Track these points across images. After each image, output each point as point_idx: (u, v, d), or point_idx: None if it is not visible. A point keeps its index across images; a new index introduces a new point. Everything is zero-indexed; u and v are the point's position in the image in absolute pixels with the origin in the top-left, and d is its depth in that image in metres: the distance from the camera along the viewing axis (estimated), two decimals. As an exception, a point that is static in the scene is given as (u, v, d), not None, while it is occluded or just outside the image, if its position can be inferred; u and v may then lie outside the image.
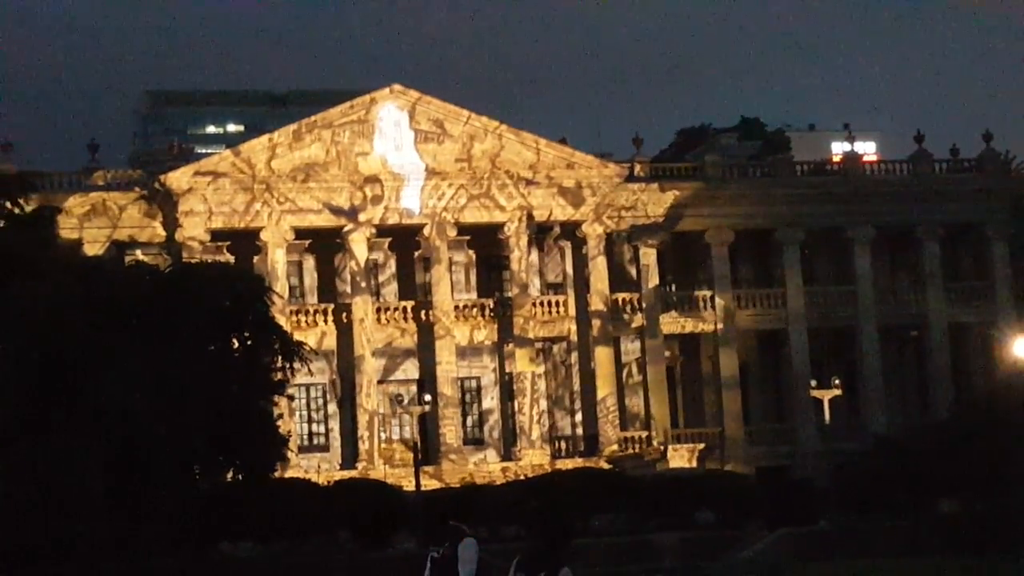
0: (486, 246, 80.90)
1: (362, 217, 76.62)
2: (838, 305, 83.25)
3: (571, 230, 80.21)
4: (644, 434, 79.56)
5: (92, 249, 73.27)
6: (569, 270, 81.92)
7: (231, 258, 75.78)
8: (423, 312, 78.39)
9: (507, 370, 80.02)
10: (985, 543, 56.00)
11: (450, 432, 76.50)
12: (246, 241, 76.55)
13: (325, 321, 77.82)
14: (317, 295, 79.92)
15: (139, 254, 73.52)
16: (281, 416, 57.63)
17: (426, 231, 77.54)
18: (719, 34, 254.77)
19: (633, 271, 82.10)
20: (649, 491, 67.59)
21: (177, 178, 74.97)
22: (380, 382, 77.63)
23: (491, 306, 79.82)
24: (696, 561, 58.69)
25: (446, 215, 77.43)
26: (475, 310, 79.78)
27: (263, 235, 75.85)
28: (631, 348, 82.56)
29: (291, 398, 63.16)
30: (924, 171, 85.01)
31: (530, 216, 78.44)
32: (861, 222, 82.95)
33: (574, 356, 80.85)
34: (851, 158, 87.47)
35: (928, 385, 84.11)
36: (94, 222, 75.44)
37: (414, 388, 79.09)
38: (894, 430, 77.93)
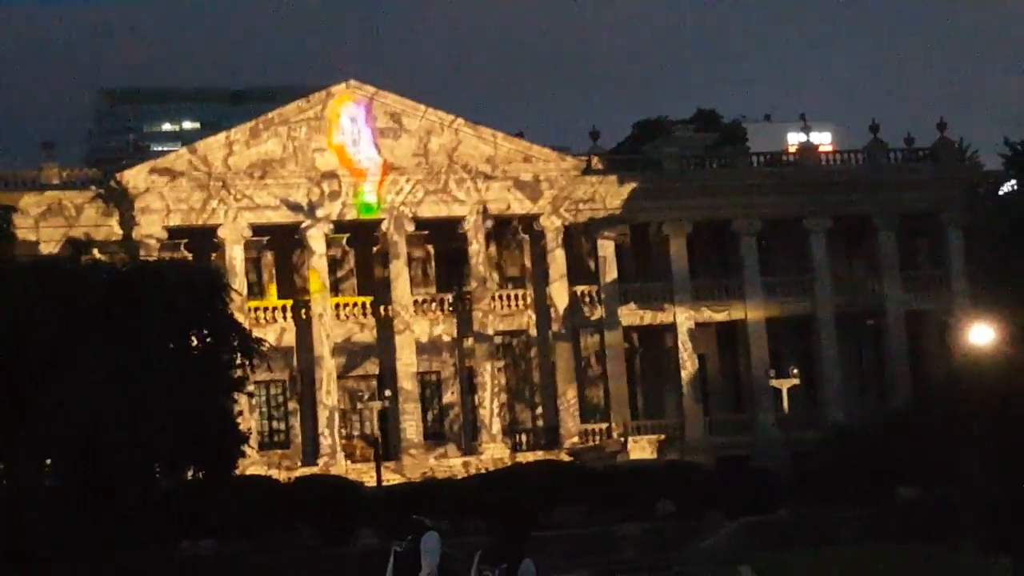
0: (444, 240, 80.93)
1: (320, 213, 76.57)
2: (795, 295, 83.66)
3: (529, 223, 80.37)
4: (604, 426, 79.83)
5: (48, 248, 72.73)
6: (528, 263, 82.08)
7: (189, 256, 75.60)
8: (382, 307, 78.41)
9: (467, 364, 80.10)
10: (944, 529, 56.40)
11: (410, 427, 76.55)
12: (204, 239, 76.38)
13: (284, 318, 77.76)
14: (276, 292, 79.79)
15: (96, 253, 72.99)
16: (241, 413, 57.48)
17: (384, 226, 77.54)
18: (674, 26, 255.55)
19: (592, 264, 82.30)
20: (610, 483, 67.85)
21: (133, 176, 74.74)
22: (340, 378, 77.58)
23: (450, 300, 79.93)
24: (657, 551, 58.93)
25: (404, 210, 77.46)
26: (434, 305, 79.87)
27: (220, 232, 75.71)
28: (591, 341, 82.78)
29: (251, 395, 63.07)
30: (879, 161, 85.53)
31: (488, 210, 78.52)
32: (817, 212, 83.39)
33: (534, 349, 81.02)
34: (807, 148, 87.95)
35: (885, 373, 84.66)
36: (50, 221, 75.01)
37: (374, 383, 79.10)
38: (852, 418, 78.37)
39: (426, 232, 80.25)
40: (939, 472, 62.61)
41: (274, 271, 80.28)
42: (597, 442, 78.62)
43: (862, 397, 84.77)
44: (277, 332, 76.16)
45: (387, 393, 74.60)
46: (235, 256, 75.53)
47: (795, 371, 77.11)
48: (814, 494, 66.56)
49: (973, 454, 57.82)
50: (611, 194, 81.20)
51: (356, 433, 79.16)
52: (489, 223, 78.82)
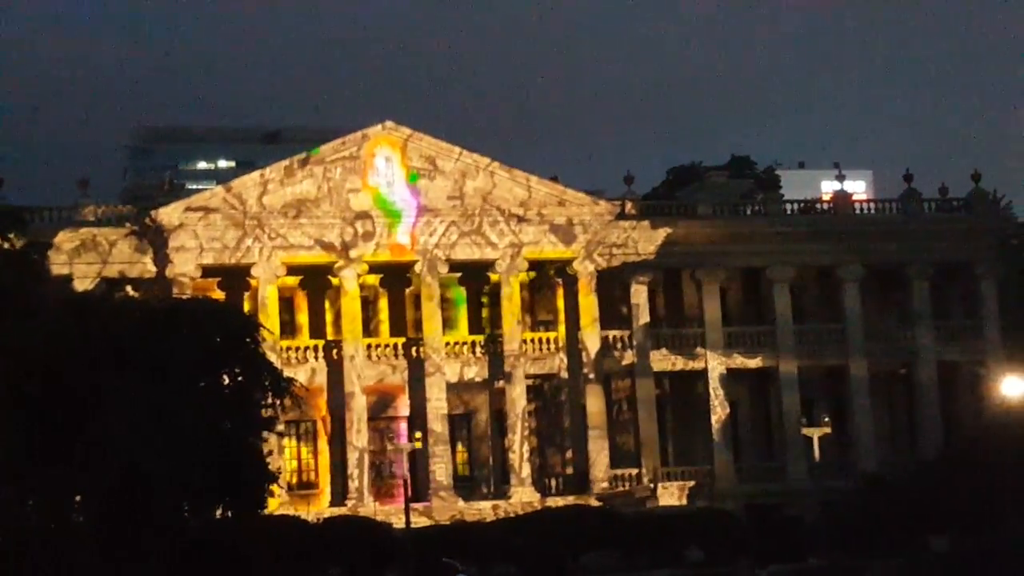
0: (477, 283, 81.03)
1: (353, 253, 76.74)
2: (828, 343, 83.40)
3: (562, 267, 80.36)
4: (634, 471, 79.54)
5: (82, 285, 73.17)
6: (560, 307, 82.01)
7: (222, 294, 75.79)
8: (414, 349, 78.42)
9: (497, 407, 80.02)
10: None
11: (440, 469, 76.40)
12: (237, 277, 76.63)
13: (316, 358, 77.83)
14: (308, 331, 79.91)
15: (129, 290, 73.46)
16: (271, 453, 57.47)
17: (417, 268, 77.65)
18: (709, 73, 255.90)
19: (624, 308, 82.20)
20: (639, 529, 67.58)
21: (168, 214, 75.07)
22: (371, 419, 77.56)
23: (482, 343, 79.90)
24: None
25: (437, 252, 77.57)
26: (466, 347, 79.85)
27: (254, 271, 75.94)
28: (622, 385, 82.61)
29: (281, 435, 63.05)
30: (913, 210, 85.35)
31: (521, 253, 78.55)
32: (851, 260, 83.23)
33: (565, 393, 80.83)
34: (841, 197, 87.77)
35: (917, 423, 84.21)
36: (84, 257, 75.42)
37: (404, 425, 79.06)
38: (884, 468, 78.02)
39: (459, 274, 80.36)
40: (972, 522, 62.23)
41: (306, 311, 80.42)
42: (627, 487, 78.28)
43: (894, 446, 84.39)
44: (308, 372, 76.19)
45: (417, 435, 74.55)
46: (268, 295, 75.74)
47: (827, 419, 76.82)
48: (845, 543, 66.22)
49: (1006, 503, 57.49)
50: (644, 239, 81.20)
51: (386, 474, 79.05)
52: (522, 266, 78.87)
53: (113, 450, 46.02)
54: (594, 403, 79.08)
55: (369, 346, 78.30)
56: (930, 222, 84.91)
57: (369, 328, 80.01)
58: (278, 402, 53.92)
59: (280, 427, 58.63)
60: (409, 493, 68.39)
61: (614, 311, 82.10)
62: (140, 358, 48.48)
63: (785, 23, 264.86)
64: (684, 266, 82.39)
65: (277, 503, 64.47)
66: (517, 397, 77.92)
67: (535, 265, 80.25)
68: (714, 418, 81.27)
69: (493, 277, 79.22)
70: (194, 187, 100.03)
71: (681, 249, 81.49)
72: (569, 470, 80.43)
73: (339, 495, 76.68)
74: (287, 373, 59.93)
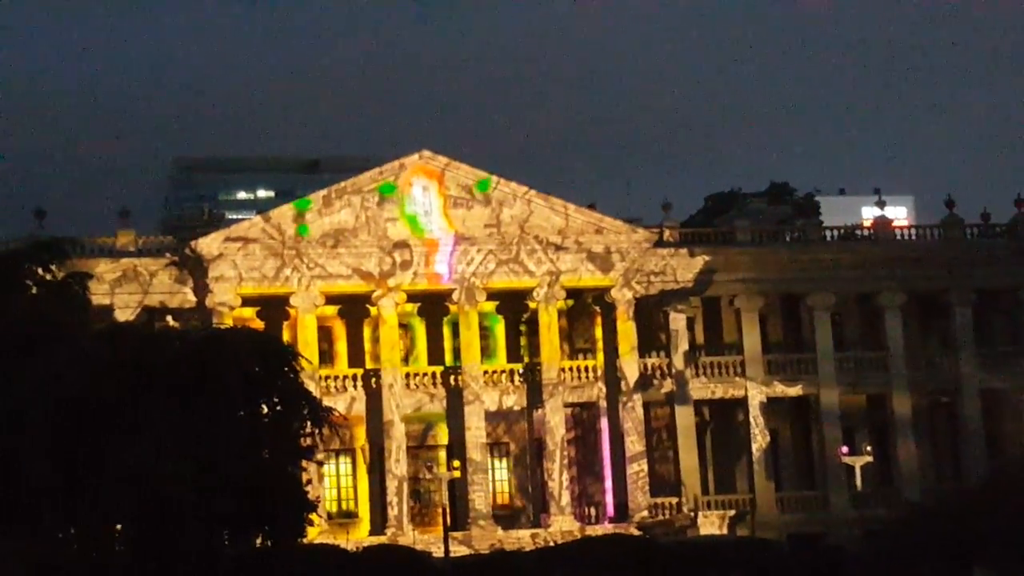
0: (515, 311, 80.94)
1: (391, 282, 76.79)
2: (869, 371, 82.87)
3: (600, 295, 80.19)
4: (674, 500, 79.17)
5: (123, 314, 73.66)
6: (598, 335, 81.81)
7: (261, 324, 75.93)
8: (452, 377, 78.36)
9: (536, 435, 79.82)
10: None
11: (479, 498, 76.25)
12: (276, 306, 76.78)
13: (355, 387, 77.85)
14: (347, 360, 79.97)
15: (170, 320, 73.84)
16: (310, 481, 57.42)
17: (455, 296, 77.63)
18: (747, 99, 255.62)
19: (663, 336, 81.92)
20: (680, 558, 67.03)
21: (207, 244, 75.33)
22: (410, 448, 77.50)
23: (520, 371, 79.75)
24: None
25: (475, 280, 77.53)
26: (504, 375, 79.71)
27: (293, 300, 76.07)
28: (661, 413, 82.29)
29: (320, 463, 63.04)
30: (955, 236, 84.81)
31: (559, 281, 78.44)
32: (892, 287, 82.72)
33: (603, 421, 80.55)
34: (882, 223, 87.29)
35: (961, 451, 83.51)
36: (125, 288, 75.79)
37: (443, 454, 78.96)
38: (927, 496, 77.31)
39: (497, 302, 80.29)
40: (1017, 551, 61.51)
41: (345, 340, 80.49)
42: (667, 516, 77.89)
43: (937, 474, 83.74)
44: (347, 401, 76.25)
45: (456, 463, 74.43)
46: (307, 324, 75.82)
47: (869, 448, 76.24)
48: (888, 573, 65.49)
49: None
50: (683, 267, 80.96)
51: (425, 503, 78.92)
52: (560, 294, 78.73)
53: (146, 479, 46.06)
54: (633, 432, 78.78)
55: (408, 375, 78.27)
56: (972, 248, 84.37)
57: (408, 357, 80.00)
58: (317, 431, 53.94)
59: (319, 456, 58.64)
60: (448, 522, 68.25)
61: (653, 339, 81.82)
62: (177, 387, 48.57)
63: (824, 50, 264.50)
64: (723, 293, 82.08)
65: (316, 532, 64.38)
66: (556, 425, 77.71)
67: (573, 293, 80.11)
68: (755, 446, 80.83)
69: (531, 305, 79.23)
70: (234, 217, 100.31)
71: (720, 276, 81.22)
72: (608, 499, 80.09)
73: (379, 524, 76.61)
74: (326, 402, 60.04)
